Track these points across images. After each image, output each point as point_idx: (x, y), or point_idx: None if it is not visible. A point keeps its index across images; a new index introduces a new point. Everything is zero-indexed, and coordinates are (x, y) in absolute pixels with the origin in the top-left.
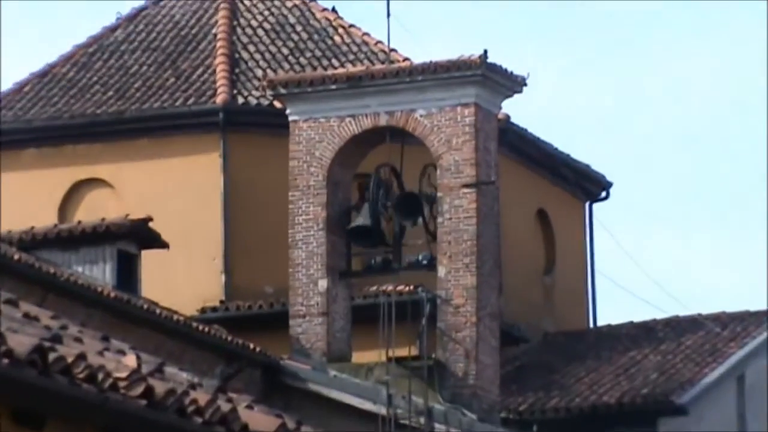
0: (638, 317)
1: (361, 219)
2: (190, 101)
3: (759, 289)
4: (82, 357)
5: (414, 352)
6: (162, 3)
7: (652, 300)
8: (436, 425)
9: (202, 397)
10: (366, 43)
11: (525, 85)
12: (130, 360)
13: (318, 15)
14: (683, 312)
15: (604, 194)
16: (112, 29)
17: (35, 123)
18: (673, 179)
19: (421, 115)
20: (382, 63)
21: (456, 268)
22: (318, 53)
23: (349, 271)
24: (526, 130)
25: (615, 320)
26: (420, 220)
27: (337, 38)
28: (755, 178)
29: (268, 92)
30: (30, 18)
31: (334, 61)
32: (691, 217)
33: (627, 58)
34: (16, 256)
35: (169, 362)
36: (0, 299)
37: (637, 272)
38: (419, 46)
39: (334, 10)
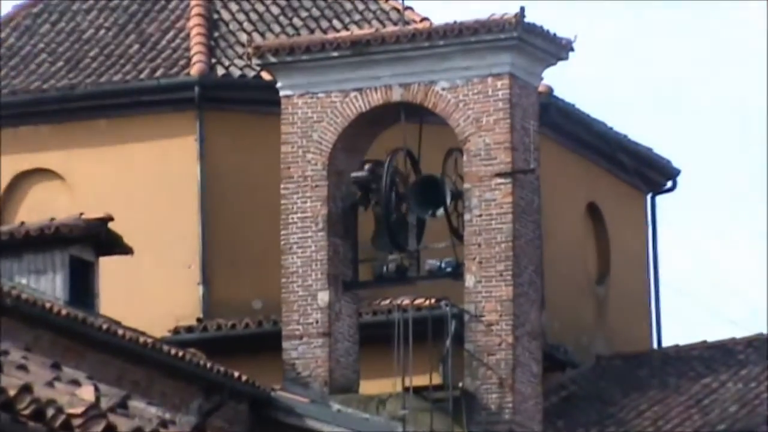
0: (714, 336)
1: (367, 173)
2: (159, 73)
3: None
4: (27, 389)
5: (436, 380)
6: None
7: (731, 314)
8: None
9: None
10: (375, 0)
11: (571, 50)
12: (87, 392)
13: None
14: None
15: (669, 184)
16: None
17: None
18: (754, 166)
19: (443, 89)
20: (395, 24)
21: (487, 276)
22: (315, 12)
23: (356, 282)
24: (573, 105)
25: (685, 340)
26: (442, 211)
27: None
28: None
29: (255, 61)
30: None
31: (336, 23)
32: None
33: (699, 17)
34: None
35: (134, 394)
36: None
37: (712, 280)
38: (440, 3)
39: None
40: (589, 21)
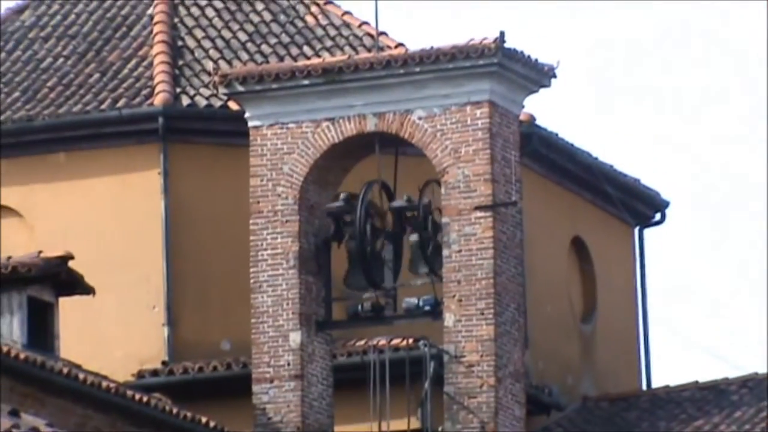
0: (706, 376)
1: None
2: (121, 103)
3: None
4: None
5: (415, 424)
6: None
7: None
8: None
9: None
10: (348, 25)
11: (554, 76)
12: None
13: None
14: (764, 369)
15: (658, 217)
16: (18, 11)
17: None
18: (746, 195)
19: (419, 118)
20: (369, 51)
21: (468, 315)
22: (285, 39)
23: (330, 321)
24: (556, 135)
25: (675, 380)
26: (416, 238)
27: (309, 19)
28: None
29: (221, 90)
30: None
31: (307, 49)
32: None
33: (688, 45)
34: None
35: None
36: None
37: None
38: (416, 29)
39: None
40: (572, 46)
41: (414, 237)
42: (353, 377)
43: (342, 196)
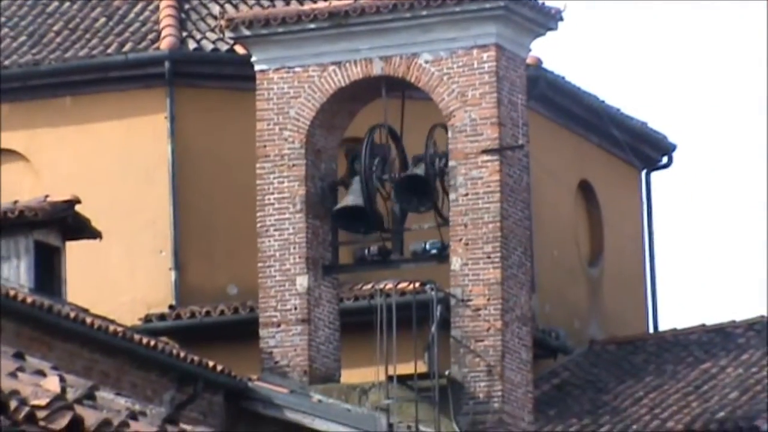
0: (713, 319)
1: (351, 198)
2: (127, 48)
3: None
4: None
5: (422, 368)
6: None
7: (729, 296)
8: None
9: (146, 429)
10: None
11: (561, 19)
12: (52, 383)
13: None
14: None
15: (665, 160)
16: None
17: None
18: (752, 138)
19: (426, 61)
20: None
21: (474, 258)
22: None
23: (336, 265)
24: (563, 78)
25: (682, 323)
26: (428, 206)
27: None
28: None
29: (228, 34)
30: None
31: None
32: None
33: None
34: None
35: (103, 385)
36: None
37: (711, 260)
38: None
39: None
40: None
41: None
42: (360, 321)
43: (351, 198)
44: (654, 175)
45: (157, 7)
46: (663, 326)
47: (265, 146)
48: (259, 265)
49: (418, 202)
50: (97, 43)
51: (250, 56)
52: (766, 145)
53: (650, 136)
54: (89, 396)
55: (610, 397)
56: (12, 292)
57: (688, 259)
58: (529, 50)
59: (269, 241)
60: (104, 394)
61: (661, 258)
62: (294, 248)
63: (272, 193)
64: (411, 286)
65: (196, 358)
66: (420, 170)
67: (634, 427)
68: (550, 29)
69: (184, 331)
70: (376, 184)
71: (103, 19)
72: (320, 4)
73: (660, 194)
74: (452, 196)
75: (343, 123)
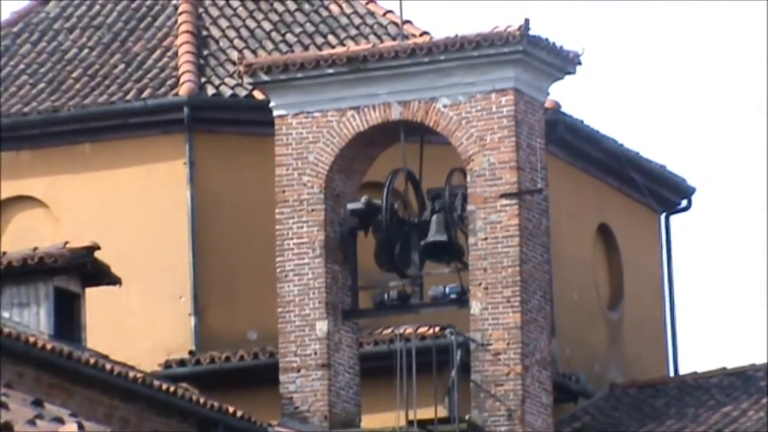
0: (733, 362)
1: (434, 233)
2: (146, 94)
3: None
4: (7, 428)
5: (442, 413)
6: None
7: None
8: None
9: None
10: (372, 14)
11: (579, 63)
12: (71, 430)
13: None
14: None
15: (684, 203)
16: (43, 2)
17: None
18: None
19: (444, 106)
20: (394, 39)
21: (494, 303)
22: (310, 28)
23: (356, 310)
24: (581, 122)
25: (703, 367)
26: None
27: (334, 8)
28: None
29: (246, 79)
30: None
31: (331, 38)
32: None
33: (713, 29)
34: None
35: None
36: None
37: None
38: (441, 17)
39: None
40: (597, 33)
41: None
42: (380, 366)
43: (363, 199)
44: (673, 218)
45: (176, 53)
46: (683, 370)
47: (284, 191)
48: (279, 310)
49: (445, 260)
50: (116, 90)
51: (269, 101)
52: None
53: (669, 179)
54: None
55: None
56: (32, 339)
57: (708, 302)
58: (548, 94)
59: (289, 286)
60: None
61: (681, 301)
62: (313, 293)
63: (291, 238)
64: (431, 330)
65: (216, 404)
66: (441, 235)
67: None
68: (569, 73)
69: (204, 376)
70: (394, 231)
71: (122, 66)
72: (339, 49)
73: (679, 237)
74: (471, 240)
75: (362, 168)
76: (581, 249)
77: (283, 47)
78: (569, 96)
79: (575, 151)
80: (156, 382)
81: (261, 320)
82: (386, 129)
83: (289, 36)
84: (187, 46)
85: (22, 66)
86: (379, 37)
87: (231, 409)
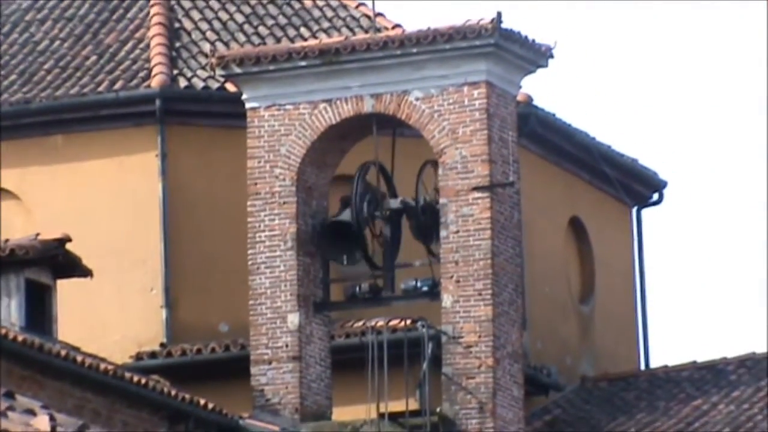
0: (704, 356)
1: (343, 215)
2: (118, 85)
3: None
4: None
5: (413, 405)
6: None
7: (721, 332)
8: None
9: None
10: (345, 6)
11: (551, 57)
12: (42, 422)
13: None
14: (761, 348)
15: (656, 197)
16: None
17: None
18: (743, 175)
19: (417, 99)
20: (366, 32)
21: (465, 296)
22: (282, 20)
23: (328, 303)
24: (553, 115)
25: (674, 360)
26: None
27: (306, 0)
28: None
29: (218, 72)
30: None
31: (304, 31)
32: None
33: (685, 22)
34: None
35: (94, 424)
36: None
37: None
38: (413, 10)
39: None
40: (569, 26)
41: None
42: (351, 358)
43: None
44: (645, 211)
45: (148, 45)
46: (654, 363)
47: (256, 184)
48: (250, 302)
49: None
50: (88, 82)
51: (241, 94)
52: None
53: (641, 172)
54: None
55: None
56: (3, 331)
57: (680, 296)
58: (520, 87)
59: (260, 278)
60: None
61: (653, 294)
62: (285, 286)
63: (263, 231)
64: (402, 323)
65: (187, 396)
66: (346, 216)
67: None
68: (541, 66)
69: (176, 369)
70: (367, 220)
71: (94, 57)
72: (311, 42)
73: (651, 231)
74: (443, 233)
75: (334, 160)
76: (553, 242)
77: (256, 39)
78: (541, 89)
79: (547, 144)
80: (127, 375)
81: (232, 313)
82: (358, 122)
83: (261, 28)
84: (160, 38)
85: None
86: (351, 29)
87: (202, 402)
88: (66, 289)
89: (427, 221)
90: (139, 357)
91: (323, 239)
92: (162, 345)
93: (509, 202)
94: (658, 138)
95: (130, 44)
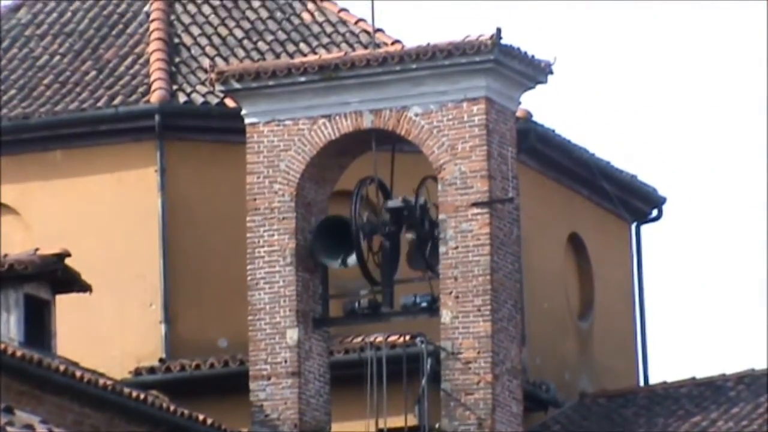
0: (703, 372)
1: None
2: (117, 101)
3: None
4: None
5: (412, 421)
6: None
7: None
8: None
9: None
10: (344, 22)
11: (551, 73)
12: None
13: None
14: (761, 365)
15: (655, 213)
16: (14, 9)
17: None
18: (742, 190)
19: (416, 114)
20: (365, 48)
21: (465, 311)
22: (281, 36)
23: (327, 318)
24: (553, 131)
25: (673, 377)
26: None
27: (306, 16)
28: None
29: (218, 87)
30: None
31: (303, 46)
32: None
33: (684, 39)
34: None
35: None
36: None
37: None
38: (412, 25)
39: None
40: (569, 42)
41: (410, 235)
42: (350, 374)
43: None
44: (644, 227)
45: (148, 60)
46: (653, 379)
47: (255, 199)
48: (250, 318)
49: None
50: (88, 97)
51: (240, 109)
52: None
53: (640, 189)
54: None
55: None
56: (2, 346)
57: (679, 312)
58: (519, 103)
59: (259, 294)
60: None
61: (652, 311)
62: (284, 301)
63: (262, 246)
64: (401, 339)
65: (186, 411)
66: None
67: None
68: (540, 82)
69: (174, 384)
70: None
71: (93, 73)
72: (310, 58)
73: (650, 247)
74: (442, 249)
75: (333, 176)
76: (552, 258)
77: (255, 55)
78: (541, 105)
79: (546, 160)
80: (126, 390)
81: (231, 328)
82: (358, 137)
83: (260, 44)
84: (159, 54)
85: None
86: (350, 45)
87: (201, 417)
88: (65, 304)
89: (426, 234)
90: (138, 372)
91: (318, 239)
92: (161, 360)
93: (508, 218)
94: (657, 154)
95: (129, 59)
